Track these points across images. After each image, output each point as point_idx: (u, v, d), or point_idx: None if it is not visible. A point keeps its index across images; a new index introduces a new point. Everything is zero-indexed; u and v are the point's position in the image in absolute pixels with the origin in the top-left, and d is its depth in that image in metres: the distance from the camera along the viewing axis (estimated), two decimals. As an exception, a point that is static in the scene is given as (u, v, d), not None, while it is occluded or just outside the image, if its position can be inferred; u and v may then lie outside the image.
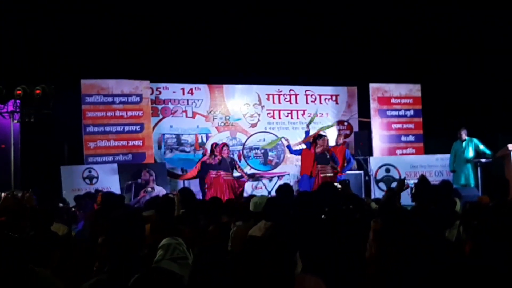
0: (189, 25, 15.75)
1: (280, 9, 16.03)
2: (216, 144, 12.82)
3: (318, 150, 12.00)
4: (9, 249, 3.14)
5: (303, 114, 15.42)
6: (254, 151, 14.86)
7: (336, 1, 16.12)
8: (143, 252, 3.19)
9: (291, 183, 12.52)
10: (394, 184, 13.16)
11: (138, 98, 13.74)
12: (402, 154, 14.79)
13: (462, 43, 16.21)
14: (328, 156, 12.11)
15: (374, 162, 13.97)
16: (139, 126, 13.69)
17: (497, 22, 15.74)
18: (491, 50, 15.73)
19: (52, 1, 14.23)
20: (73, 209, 9.36)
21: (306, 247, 3.81)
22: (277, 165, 15.03)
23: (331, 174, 11.86)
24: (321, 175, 11.80)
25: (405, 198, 7.57)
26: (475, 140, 12.62)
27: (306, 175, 12.13)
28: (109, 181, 12.18)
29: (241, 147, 14.64)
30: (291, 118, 15.35)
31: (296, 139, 14.75)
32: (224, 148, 12.33)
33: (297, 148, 13.08)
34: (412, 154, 14.87)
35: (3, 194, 9.69)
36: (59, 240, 4.92)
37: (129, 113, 13.61)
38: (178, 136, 14.48)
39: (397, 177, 13.61)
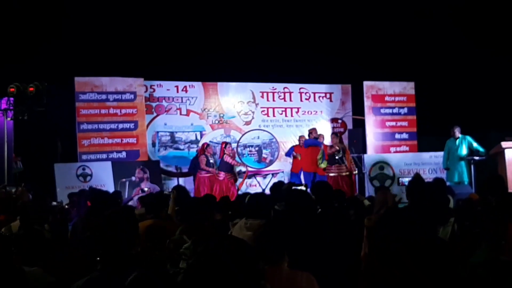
0: (184, 23, 15.73)
1: (275, 7, 16.04)
2: (208, 145, 13.08)
3: (330, 151, 12.86)
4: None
5: (297, 112, 15.44)
6: (248, 149, 14.85)
7: (330, 0, 16.16)
8: (136, 250, 3.17)
9: (285, 181, 12.51)
10: (387, 182, 13.23)
11: (132, 96, 13.69)
12: (396, 151, 14.76)
13: (455, 41, 16.25)
14: (337, 157, 12.81)
15: (368, 159, 13.96)
16: (133, 124, 13.64)
17: (490, 20, 15.82)
18: (484, 48, 15.78)
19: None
20: (66, 206, 9.33)
21: (295, 244, 3.81)
22: (271, 162, 15.01)
23: (340, 174, 12.64)
24: (330, 174, 12.67)
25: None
26: (468, 138, 12.62)
27: (306, 172, 12.53)
28: (103, 178, 12.14)
29: (235, 144, 14.57)
30: (285, 115, 15.35)
31: (290, 136, 14.78)
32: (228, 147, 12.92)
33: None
34: (406, 151, 14.86)
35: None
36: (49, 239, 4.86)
37: (123, 111, 13.56)
38: (172, 134, 14.47)
39: (391, 174, 13.62)
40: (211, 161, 12.75)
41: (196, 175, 12.65)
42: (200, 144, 13.87)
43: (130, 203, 11.05)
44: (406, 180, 12.49)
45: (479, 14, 15.76)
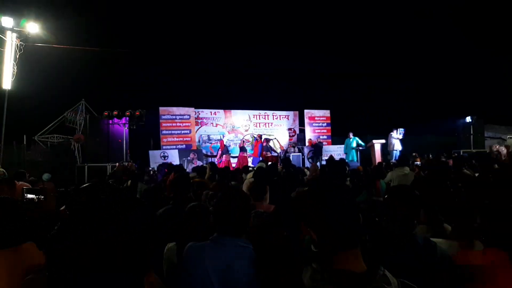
0: (212, 79, 15.72)
1: (256, 73, 16.05)
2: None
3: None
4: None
5: (271, 124, 15.37)
6: (247, 144, 14.80)
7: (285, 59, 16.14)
8: (190, 194, 3.14)
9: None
10: (315, 160, 13.17)
11: (188, 116, 13.64)
12: (322, 145, 14.78)
13: (358, 88, 16.25)
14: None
15: (306, 149, 13.96)
16: (188, 131, 13.59)
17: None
18: (375, 77, 15.73)
19: (137, 62, 14.14)
20: (156, 172, 9.30)
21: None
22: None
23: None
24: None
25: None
26: (356, 138, 12.64)
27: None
28: (173, 158, 12.08)
29: (240, 141, 14.51)
30: (265, 126, 15.27)
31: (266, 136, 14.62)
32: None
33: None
34: (326, 145, 14.88)
35: (117, 164, 9.68)
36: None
37: (183, 124, 13.53)
38: (208, 136, 14.42)
39: (319, 156, 13.58)
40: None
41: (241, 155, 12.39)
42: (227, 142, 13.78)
43: (188, 170, 11.01)
44: (324, 159, 12.53)
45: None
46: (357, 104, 16.64)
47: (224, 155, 12.38)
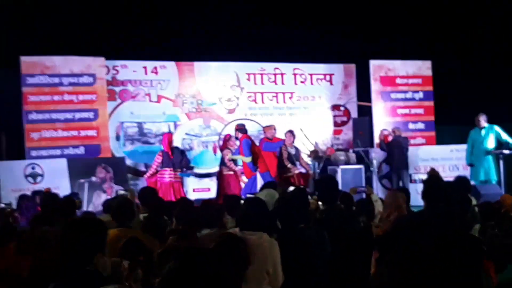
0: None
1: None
2: (230, 137, 13.14)
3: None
4: None
5: (290, 98, 15.44)
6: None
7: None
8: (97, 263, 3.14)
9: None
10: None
11: (91, 79, 13.61)
12: (411, 145, 14.54)
13: (480, 13, 16.22)
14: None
15: (376, 155, 13.97)
16: (92, 113, 13.57)
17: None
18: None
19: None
20: (14, 211, 9.31)
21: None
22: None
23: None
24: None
25: (414, 198, 7.64)
26: (496, 128, 12.59)
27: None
28: (57, 179, 12.04)
29: (217, 137, 14.46)
30: (277, 102, 15.36)
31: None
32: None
33: None
34: (423, 144, 14.92)
35: None
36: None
37: (80, 97, 13.48)
38: (140, 125, 14.37)
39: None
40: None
41: (221, 173, 12.74)
42: (177, 137, 13.76)
43: (90, 208, 11.00)
44: (421, 179, 12.51)
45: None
46: (491, 52, 16.57)
47: (168, 169, 12.26)
